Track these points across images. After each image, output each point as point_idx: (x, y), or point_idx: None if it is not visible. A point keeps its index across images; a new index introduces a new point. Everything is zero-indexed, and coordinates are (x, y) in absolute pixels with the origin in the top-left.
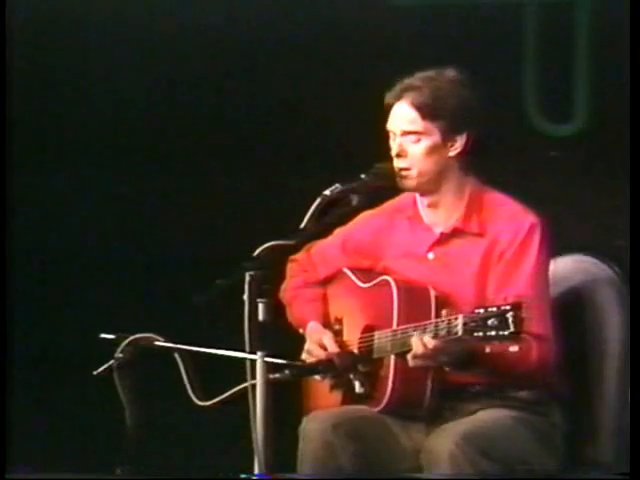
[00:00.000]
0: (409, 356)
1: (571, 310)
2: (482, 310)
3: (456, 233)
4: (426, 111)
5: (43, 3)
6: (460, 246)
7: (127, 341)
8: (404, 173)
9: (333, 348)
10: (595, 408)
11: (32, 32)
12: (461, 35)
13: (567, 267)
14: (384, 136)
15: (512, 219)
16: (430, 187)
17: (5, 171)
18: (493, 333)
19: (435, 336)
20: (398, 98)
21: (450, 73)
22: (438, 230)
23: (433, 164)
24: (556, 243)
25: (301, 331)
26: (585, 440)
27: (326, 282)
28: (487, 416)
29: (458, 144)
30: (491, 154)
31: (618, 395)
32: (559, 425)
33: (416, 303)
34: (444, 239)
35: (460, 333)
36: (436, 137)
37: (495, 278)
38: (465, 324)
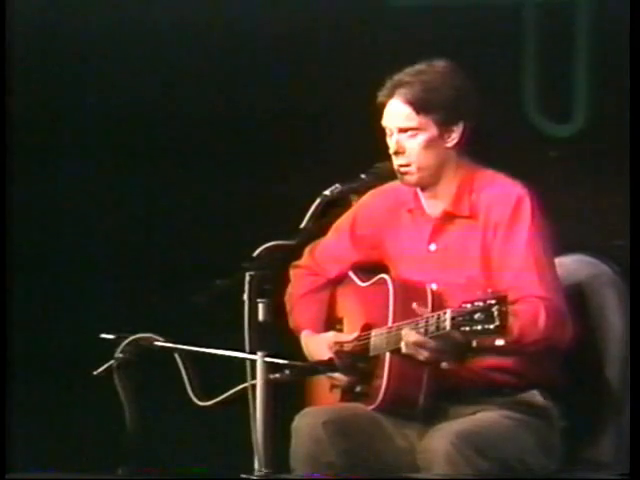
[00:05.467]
0: (402, 346)
1: (571, 310)
2: (469, 305)
3: (448, 218)
4: (419, 105)
5: (43, 3)
6: (459, 235)
7: (127, 341)
8: (404, 169)
9: (345, 338)
10: (595, 408)
11: (32, 32)
12: (461, 35)
13: (567, 267)
14: (384, 135)
15: (500, 194)
16: (431, 180)
17: (5, 172)
18: (479, 327)
19: (426, 332)
20: (390, 95)
21: (439, 64)
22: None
23: (432, 157)
24: (556, 243)
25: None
26: (585, 440)
27: (337, 282)
28: (484, 416)
29: (455, 135)
30: (491, 155)
31: (618, 395)
32: (558, 425)
33: (412, 300)
34: (439, 227)
35: (448, 328)
36: (432, 130)
37: (495, 255)
38: (453, 318)
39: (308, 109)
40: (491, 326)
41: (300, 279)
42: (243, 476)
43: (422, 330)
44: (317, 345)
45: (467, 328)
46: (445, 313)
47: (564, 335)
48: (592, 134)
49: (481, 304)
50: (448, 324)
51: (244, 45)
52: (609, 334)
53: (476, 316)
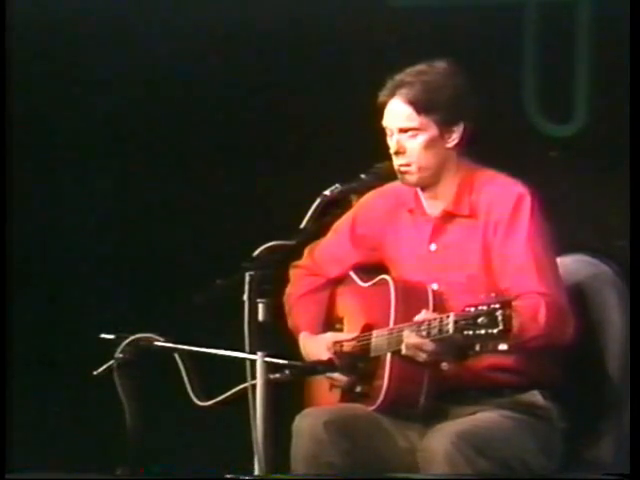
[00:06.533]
0: (403, 348)
1: (572, 308)
2: (472, 309)
3: (449, 218)
4: (420, 106)
5: (43, 3)
6: (459, 234)
7: (127, 341)
8: (404, 169)
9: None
10: (595, 408)
11: (32, 32)
12: (461, 36)
13: (567, 267)
14: (383, 135)
15: (500, 193)
16: (431, 180)
17: (5, 171)
18: (483, 332)
19: (428, 335)
20: (391, 95)
21: (440, 64)
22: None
23: (432, 158)
24: (556, 242)
25: None
26: (585, 440)
27: (336, 282)
28: (484, 416)
29: (455, 135)
30: (491, 155)
31: (618, 395)
32: (558, 425)
33: (414, 301)
34: (439, 227)
35: (451, 332)
36: (433, 130)
37: (495, 253)
38: (456, 322)
39: (308, 109)
40: (494, 330)
41: (300, 279)
42: (243, 477)
43: (424, 333)
44: (315, 346)
45: (470, 332)
46: (448, 317)
47: (565, 331)
48: (592, 134)
49: (485, 308)
50: (451, 328)
51: (244, 45)
52: (609, 334)
53: (479, 320)
